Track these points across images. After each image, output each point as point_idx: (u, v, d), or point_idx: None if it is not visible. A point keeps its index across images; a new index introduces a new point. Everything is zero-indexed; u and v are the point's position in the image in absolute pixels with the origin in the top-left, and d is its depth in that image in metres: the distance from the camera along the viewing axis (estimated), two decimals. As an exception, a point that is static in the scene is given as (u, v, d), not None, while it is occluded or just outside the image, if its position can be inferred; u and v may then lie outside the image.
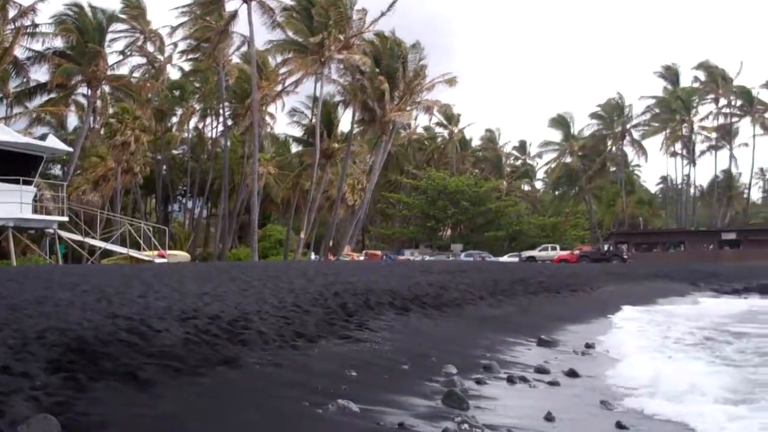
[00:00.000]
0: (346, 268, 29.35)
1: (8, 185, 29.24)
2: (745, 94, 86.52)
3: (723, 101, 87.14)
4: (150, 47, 63.44)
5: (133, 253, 35.70)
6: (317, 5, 55.22)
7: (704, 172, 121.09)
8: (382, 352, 10.78)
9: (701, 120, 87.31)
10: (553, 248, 67.34)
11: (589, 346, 14.80)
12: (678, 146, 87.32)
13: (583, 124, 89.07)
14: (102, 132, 60.99)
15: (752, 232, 77.42)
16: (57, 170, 60.31)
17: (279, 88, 63.32)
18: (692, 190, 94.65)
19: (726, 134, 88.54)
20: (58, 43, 51.26)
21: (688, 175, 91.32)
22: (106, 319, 9.59)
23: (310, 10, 55.40)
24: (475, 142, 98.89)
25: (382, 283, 19.69)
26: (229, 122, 63.66)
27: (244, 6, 53.07)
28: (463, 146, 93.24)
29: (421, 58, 64.38)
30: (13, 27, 48.12)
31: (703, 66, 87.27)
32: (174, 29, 59.34)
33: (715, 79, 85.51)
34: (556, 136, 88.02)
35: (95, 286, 14.00)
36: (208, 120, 71.57)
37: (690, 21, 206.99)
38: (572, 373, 11.42)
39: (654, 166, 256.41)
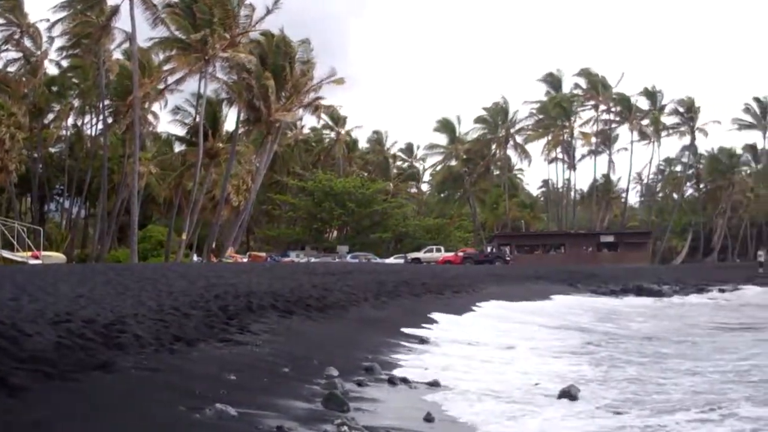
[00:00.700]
0: (229, 270, 29.05)
1: None
2: (624, 101, 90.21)
3: (603, 108, 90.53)
4: (27, 42, 61.24)
5: (6, 254, 34.38)
6: (201, 2, 54.40)
7: (584, 176, 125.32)
8: (262, 355, 10.74)
9: (581, 125, 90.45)
10: (438, 250, 68.27)
11: (471, 344, 15.17)
12: (559, 151, 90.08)
13: (469, 128, 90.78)
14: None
15: (629, 234, 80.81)
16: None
17: (162, 85, 62.08)
18: (573, 194, 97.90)
19: (605, 140, 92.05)
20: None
21: (569, 179, 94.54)
22: (-28, 323, 9.24)
23: (193, 7, 54.54)
24: (363, 144, 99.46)
25: (265, 285, 19.60)
26: (110, 120, 62.02)
27: (127, 1, 51.82)
28: (351, 148, 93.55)
29: (309, 58, 64.36)
30: None
31: (585, 73, 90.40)
32: (53, 24, 57.52)
33: (596, 86, 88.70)
34: (442, 139, 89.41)
35: (-40, 289, 13.43)
36: (88, 117, 69.62)
37: (574, 29, 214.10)
38: (453, 371, 11.70)
39: (537, 169, 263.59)
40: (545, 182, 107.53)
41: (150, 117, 67.63)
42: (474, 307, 23.38)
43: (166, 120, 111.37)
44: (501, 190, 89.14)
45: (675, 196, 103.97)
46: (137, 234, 53.60)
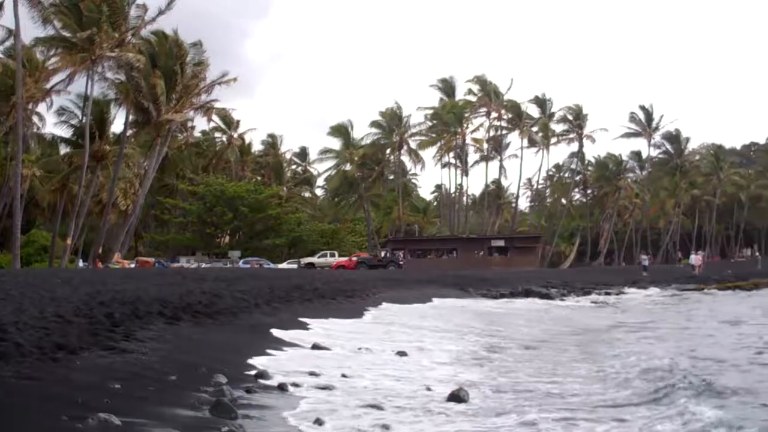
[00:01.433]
0: (115, 275, 28.41)
1: None
2: (514, 108, 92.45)
3: (494, 114, 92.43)
4: None
5: None
6: (88, 0, 53.01)
7: (477, 181, 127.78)
8: (149, 363, 10.62)
9: (474, 132, 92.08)
10: (332, 255, 68.37)
11: (362, 348, 15.33)
12: (452, 156, 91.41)
13: (363, 133, 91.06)
14: None
15: (519, 239, 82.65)
16: None
17: (48, 86, 60.07)
18: (465, 199, 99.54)
19: (497, 146, 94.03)
20: None
21: (461, 185, 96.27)
22: None
23: (80, 5, 53.06)
24: (258, 148, 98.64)
25: (152, 292, 19.29)
26: (-9, 121, 59.62)
27: (10, -2, 49.89)
28: (244, 152, 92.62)
29: (202, 60, 63.52)
30: None
31: (478, 80, 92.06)
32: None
33: (488, 93, 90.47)
34: (337, 144, 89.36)
35: None
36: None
37: (467, 36, 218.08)
38: (344, 376, 11.83)
39: (431, 174, 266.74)
40: (438, 187, 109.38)
41: (35, 118, 65.33)
42: (366, 312, 23.57)
43: (52, 121, 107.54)
44: (395, 194, 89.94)
45: (563, 201, 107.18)
46: (20, 239, 51.75)
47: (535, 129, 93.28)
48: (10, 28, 53.70)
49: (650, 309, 32.30)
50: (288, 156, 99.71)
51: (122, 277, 26.28)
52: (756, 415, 9.14)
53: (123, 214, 65.91)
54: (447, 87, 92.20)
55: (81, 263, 58.55)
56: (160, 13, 56.41)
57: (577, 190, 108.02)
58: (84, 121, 59.68)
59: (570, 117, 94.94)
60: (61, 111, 65.55)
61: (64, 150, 70.11)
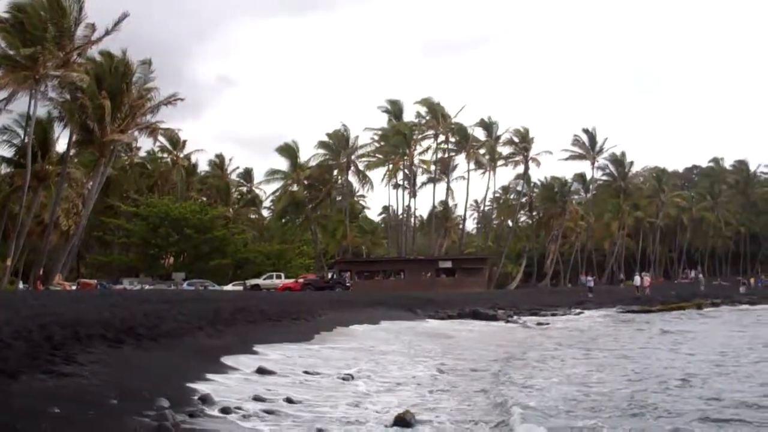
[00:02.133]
0: (56, 297, 27.90)
1: None
2: (462, 131, 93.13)
3: (442, 137, 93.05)
4: None
5: None
6: (34, 18, 52.29)
7: (424, 203, 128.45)
8: (90, 386, 10.44)
9: (422, 153, 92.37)
10: (278, 276, 68.02)
11: (308, 372, 15.26)
12: (400, 178, 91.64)
13: (311, 154, 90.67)
14: None
15: (466, 260, 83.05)
16: None
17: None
18: (413, 220, 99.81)
19: (444, 168, 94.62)
20: None
21: (409, 206, 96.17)
22: None
23: (24, 23, 52.33)
24: (205, 169, 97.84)
25: (94, 314, 19.00)
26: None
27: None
28: (190, 172, 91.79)
29: (149, 80, 63.04)
30: None
31: (426, 102, 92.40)
32: None
33: (436, 116, 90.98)
34: (283, 164, 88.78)
35: None
36: None
37: (415, 59, 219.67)
38: (289, 400, 11.76)
39: (379, 196, 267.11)
40: (386, 208, 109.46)
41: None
42: (314, 335, 23.49)
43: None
44: (342, 216, 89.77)
45: (510, 223, 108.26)
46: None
47: (481, 151, 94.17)
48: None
49: (589, 331, 32.69)
50: (234, 176, 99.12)
51: (63, 299, 25.81)
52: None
53: (65, 235, 64.75)
54: (395, 109, 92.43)
55: (21, 285, 57.36)
56: (107, 33, 55.85)
57: (523, 211, 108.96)
58: (26, 140, 58.65)
59: (516, 140, 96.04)
60: (3, 130, 64.32)
61: (5, 170, 68.81)
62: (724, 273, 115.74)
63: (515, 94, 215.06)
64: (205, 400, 10.92)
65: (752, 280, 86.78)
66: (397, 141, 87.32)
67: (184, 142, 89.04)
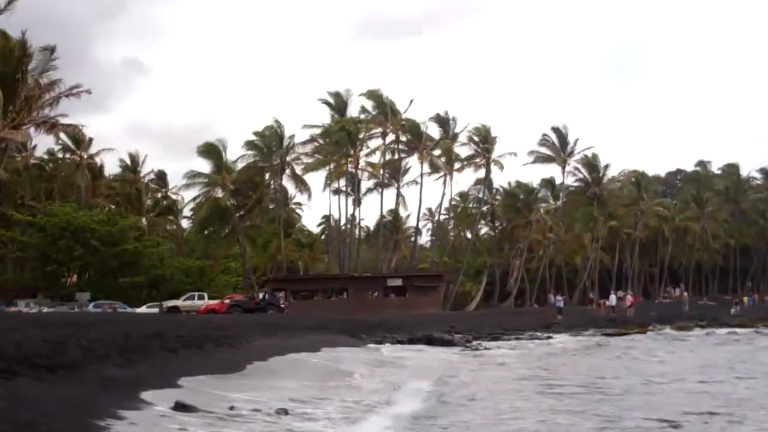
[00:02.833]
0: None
1: None
2: (414, 128, 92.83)
3: (392, 136, 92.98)
4: None
5: None
6: None
7: (371, 211, 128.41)
8: (-24, 424, 10.28)
9: (368, 155, 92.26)
10: (201, 297, 67.69)
11: (235, 408, 15.18)
12: (343, 183, 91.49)
13: (238, 155, 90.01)
14: None
15: (419, 278, 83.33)
16: None
17: None
18: (358, 232, 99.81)
19: (394, 171, 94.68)
20: None
21: (353, 215, 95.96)
22: None
23: None
24: (114, 171, 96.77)
25: (-18, 341, 18.66)
26: None
27: None
28: (96, 175, 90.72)
29: (49, 67, 62.26)
30: None
31: (373, 95, 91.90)
32: None
33: (384, 111, 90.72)
34: (206, 166, 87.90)
35: None
36: None
37: (361, 46, 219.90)
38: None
39: (318, 204, 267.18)
40: (327, 218, 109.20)
41: None
42: (241, 364, 23.35)
43: None
44: (275, 227, 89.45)
45: (469, 235, 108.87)
46: None
47: (437, 152, 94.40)
48: None
49: (557, 358, 33.03)
50: (147, 180, 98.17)
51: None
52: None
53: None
54: (338, 102, 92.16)
55: None
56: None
57: (484, 222, 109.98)
58: None
59: (476, 139, 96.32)
60: None
61: None
62: (711, 291, 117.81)
63: (475, 85, 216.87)
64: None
65: (744, 299, 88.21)
66: (340, 139, 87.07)
67: (90, 140, 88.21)
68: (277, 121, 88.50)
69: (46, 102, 62.60)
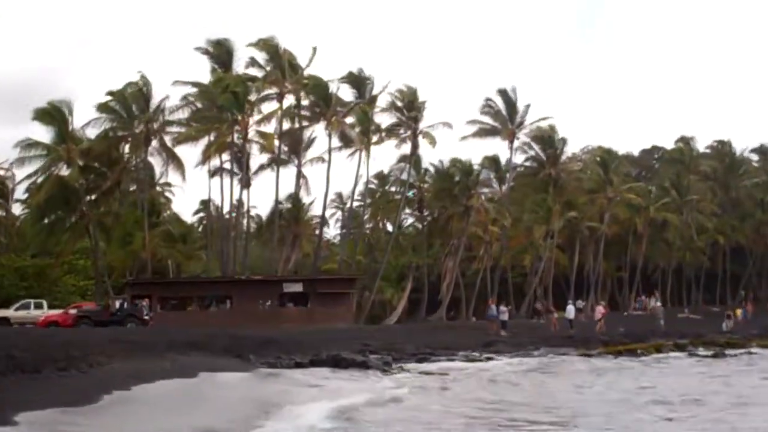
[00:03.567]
0: None
1: None
2: (320, 89, 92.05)
3: (291, 99, 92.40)
4: None
5: None
6: None
7: (263, 196, 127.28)
8: None
9: (261, 122, 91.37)
10: (39, 306, 67.20)
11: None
12: (227, 159, 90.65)
13: (89, 119, 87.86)
14: None
15: (325, 282, 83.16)
16: None
17: None
18: (246, 222, 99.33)
19: (294, 145, 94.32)
20: None
21: (241, 201, 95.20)
22: None
23: None
24: None
25: None
26: None
27: None
28: None
29: None
30: None
31: (266, 45, 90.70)
32: None
33: (281, 66, 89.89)
34: (46, 134, 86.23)
35: None
36: None
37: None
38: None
39: (194, 185, 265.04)
40: (206, 204, 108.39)
41: None
42: (102, 395, 23.23)
43: None
44: (138, 214, 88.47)
45: (390, 227, 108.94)
46: None
47: (349, 120, 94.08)
48: None
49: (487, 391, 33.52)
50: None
51: None
52: None
53: None
54: (221, 53, 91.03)
55: None
56: None
57: (409, 211, 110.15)
58: None
59: (400, 104, 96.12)
60: None
61: None
62: (695, 301, 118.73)
63: (399, 36, 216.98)
64: None
65: (737, 312, 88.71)
66: (223, 102, 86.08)
67: None
68: (143, 77, 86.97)
69: None
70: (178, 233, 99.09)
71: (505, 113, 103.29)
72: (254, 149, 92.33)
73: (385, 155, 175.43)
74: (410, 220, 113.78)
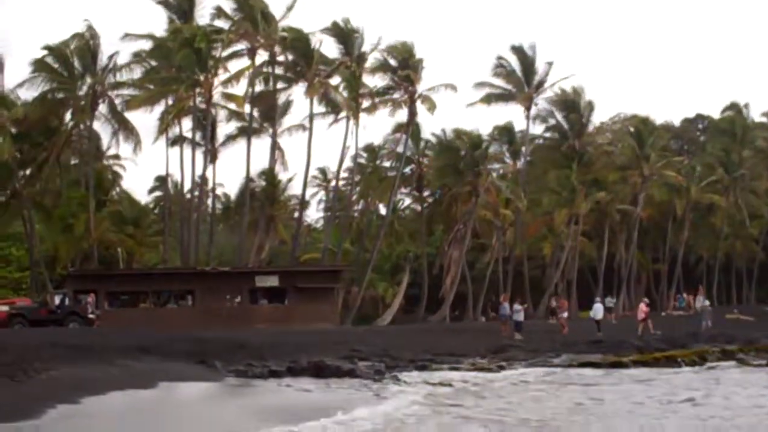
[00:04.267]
0: None
1: None
2: (299, 43, 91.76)
3: (264, 55, 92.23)
4: None
5: None
6: None
7: (232, 172, 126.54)
8: None
9: (228, 83, 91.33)
10: (-38, 302, 67.27)
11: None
12: (188, 126, 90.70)
13: (23, 79, 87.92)
14: None
15: (305, 275, 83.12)
16: None
17: None
18: (212, 203, 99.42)
19: (269, 111, 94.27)
20: None
21: (204, 177, 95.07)
22: None
23: None
24: None
25: None
26: None
27: None
28: None
29: None
30: None
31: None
32: None
33: (252, 16, 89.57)
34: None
35: None
36: None
37: None
38: None
39: (151, 157, 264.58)
40: (163, 181, 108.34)
41: None
42: (45, 409, 23.37)
43: None
44: (83, 193, 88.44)
45: (383, 210, 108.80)
46: None
47: (334, 82, 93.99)
48: None
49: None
50: None
51: None
52: None
53: None
54: (181, 1, 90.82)
55: None
56: None
57: (406, 191, 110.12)
58: None
59: (394, 63, 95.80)
60: None
61: None
62: (746, 299, 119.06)
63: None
64: None
65: None
66: (183, 59, 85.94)
67: None
68: (90, 28, 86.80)
69: None
70: (130, 216, 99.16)
71: (520, 74, 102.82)
72: (221, 115, 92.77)
73: (378, 124, 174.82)
74: (407, 202, 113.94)
